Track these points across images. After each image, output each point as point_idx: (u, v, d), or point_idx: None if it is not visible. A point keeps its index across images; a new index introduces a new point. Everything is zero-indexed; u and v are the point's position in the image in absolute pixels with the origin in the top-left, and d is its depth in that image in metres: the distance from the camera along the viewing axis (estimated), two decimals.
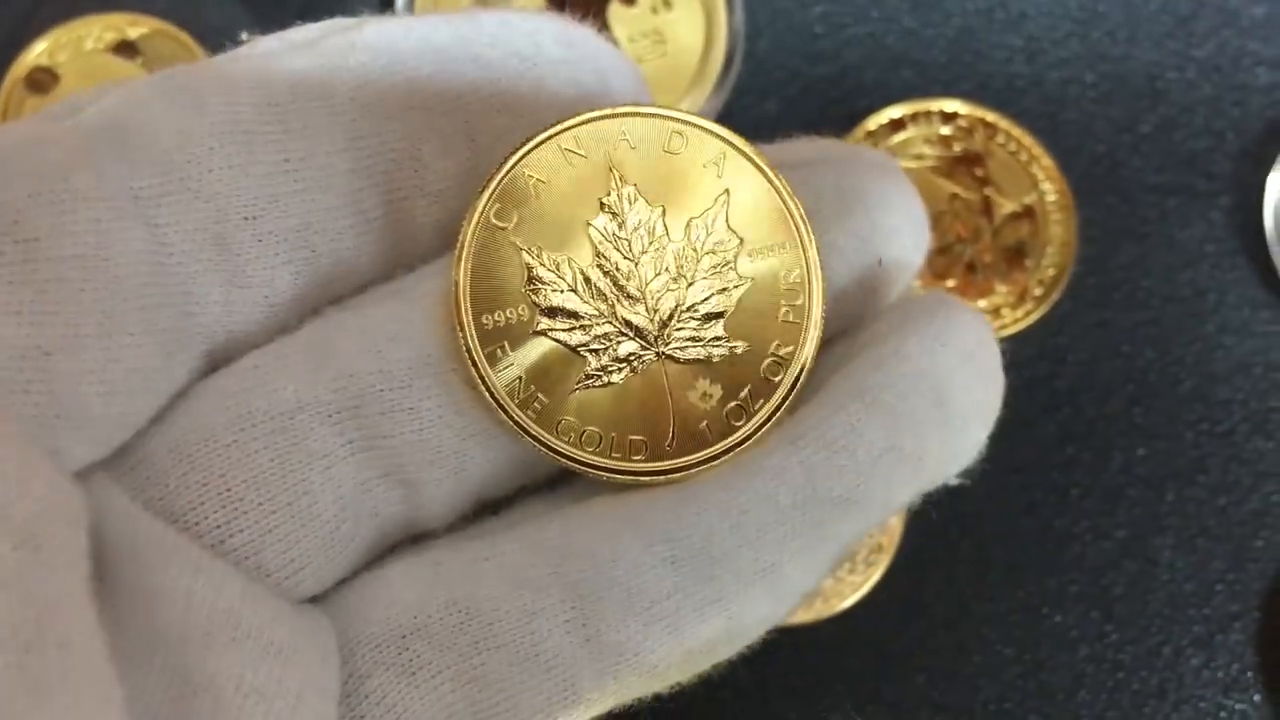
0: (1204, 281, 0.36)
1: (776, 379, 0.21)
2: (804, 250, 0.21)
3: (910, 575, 0.34)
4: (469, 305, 0.20)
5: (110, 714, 0.16)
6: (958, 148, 0.36)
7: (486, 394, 0.20)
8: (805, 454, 0.20)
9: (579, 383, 0.21)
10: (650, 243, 0.21)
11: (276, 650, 0.18)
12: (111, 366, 0.18)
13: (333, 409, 0.20)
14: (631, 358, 0.21)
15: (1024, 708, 0.34)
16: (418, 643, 0.20)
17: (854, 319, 0.22)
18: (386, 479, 0.20)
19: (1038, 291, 0.35)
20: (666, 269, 0.21)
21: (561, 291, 0.21)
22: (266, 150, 0.20)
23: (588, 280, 0.21)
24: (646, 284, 0.21)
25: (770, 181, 0.21)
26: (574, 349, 0.21)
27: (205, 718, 0.18)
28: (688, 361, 0.21)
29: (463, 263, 0.20)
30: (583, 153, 0.21)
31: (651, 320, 0.21)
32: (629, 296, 0.21)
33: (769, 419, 0.21)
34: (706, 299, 0.21)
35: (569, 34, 0.21)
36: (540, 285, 0.21)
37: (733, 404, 0.21)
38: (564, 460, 0.21)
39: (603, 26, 0.36)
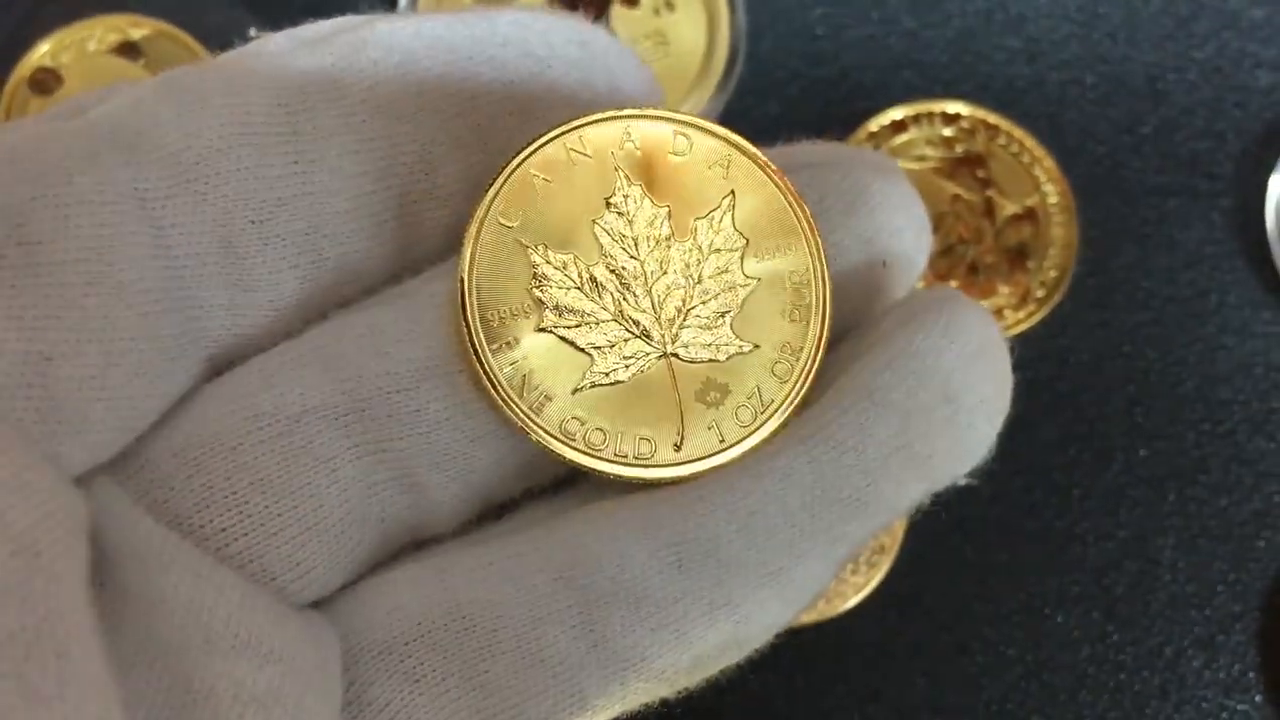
0: (1205, 282, 0.36)
1: (784, 379, 0.21)
2: (810, 251, 0.21)
3: (912, 576, 0.34)
4: (475, 303, 0.20)
5: None
6: (960, 149, 0.36)
7: (493, 391, 0.20)
8: (814, 454, 0.20)
9: (586, 381, 0.21)
10: (656, 242, 0.21)
11: (277, 658, 0.18)
12: (113, 371, 0.18)
13: (339, 412, 0.20)
14: (638, 356, 0.21)
15: (1026, 708, 0.34)
16: (422, 649, 0.19)
17: (860, 319, 0.22)
18: (393, 482, 0.20)
19: (1040, 293, 0.36)
20: (673, 269, 0.21)
21: (568, 290, 0.21)
22: (276, 152, 0.19)
23: (594, 279, 0.21)
24: (653, 283, 0.21)
25: (775, 183, 0.21)
26: (581, 348, 0.21)
27: None
28: (695, 361, 0.21)
29: (468, 261, 0.20)
30: (589, 153, 0.21)
31: (658, 319, 0.21)
32: (635, 295, 0.21)
33: (777, 419, 0.21)
34: (713, 298, 0.21)
35: (583, 34, 0.21)
36: (546, 283, 0.21)
37: (741, 404, 0.21)
38: (571, 459, 0.21)
39: (605, 28, 0.36)
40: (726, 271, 0.21)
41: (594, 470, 0.21)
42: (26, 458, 0.17)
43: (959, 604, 0.34)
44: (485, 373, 0.20)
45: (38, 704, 0.15)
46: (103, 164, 0.18)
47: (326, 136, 0.20)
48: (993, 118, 0.36)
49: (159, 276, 0.19)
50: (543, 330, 0.21)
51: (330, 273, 0.21)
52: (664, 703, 0.21)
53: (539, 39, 0.21)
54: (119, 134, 0.19)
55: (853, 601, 0.34)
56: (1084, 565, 0.35)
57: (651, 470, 0.21)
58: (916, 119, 0.36)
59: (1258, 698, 0.34)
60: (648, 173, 0.21)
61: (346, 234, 0.20)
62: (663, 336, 0.21)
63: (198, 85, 0.19)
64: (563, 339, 0.21)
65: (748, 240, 0.21)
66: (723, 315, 0.21)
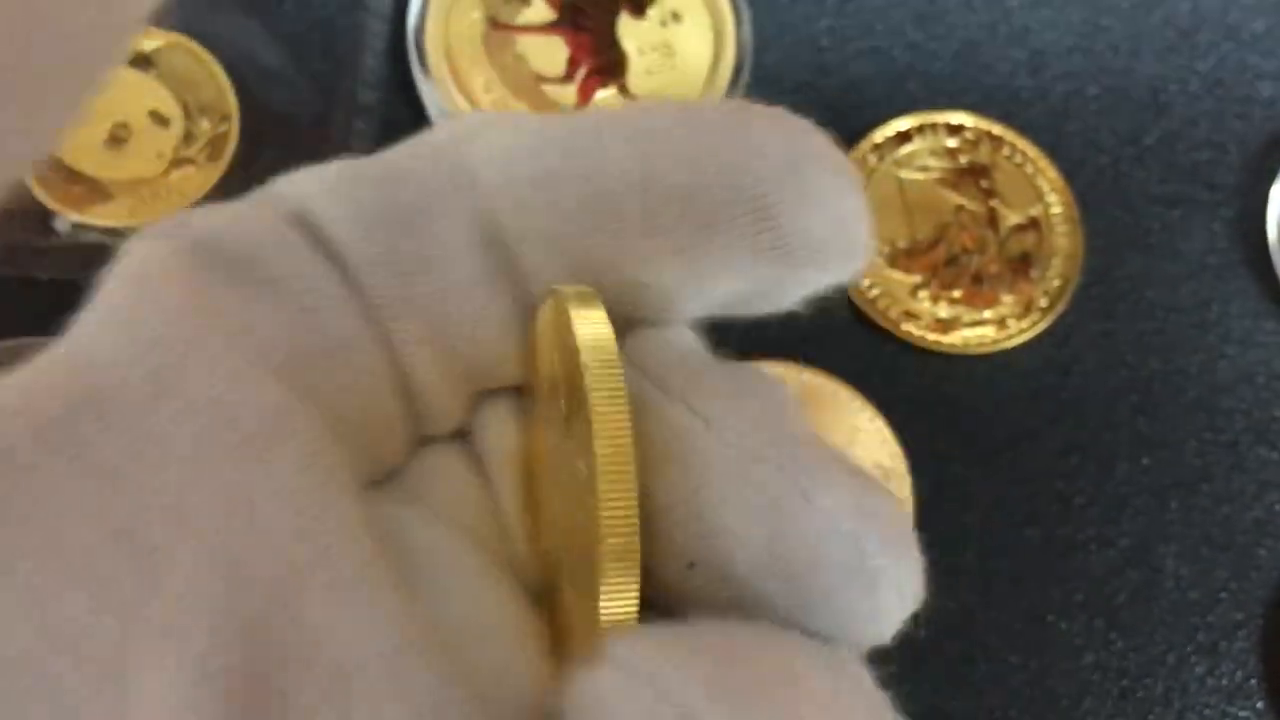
0: (1207, 292, 0.36)
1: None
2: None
3: None
4: None
5: None
6: (964, 160, 0.36)
7: None
8: None
9: None
10: None
11: None
12: None
13: None
14: None
15: (1029, 715, 0.34)
16: None
17: None
18: None
19: (1043, 302, 0.36)
20: None
21: None
22: None
23: None
24: None
25: None
26: None
27: None
28: None
29: None
30: None
31: None
32: None
33: None
34: None
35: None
36: None
37: None
38: None
39: (612, 40, 0.36)
40: None
41: None
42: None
43: (961, 611, 0.35)
44: None
45: None
46: None
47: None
48: (996, 128, 0.37)
49: None
50: None
51: None
52: None
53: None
54: None
55: None
56: (1087, 573, 0.35)
57: None
58: (921, 130, 0.36)
59: (1260, 704, 0.34)
60: None
61: None
62: None
63: None
64: None
65: None
66: None
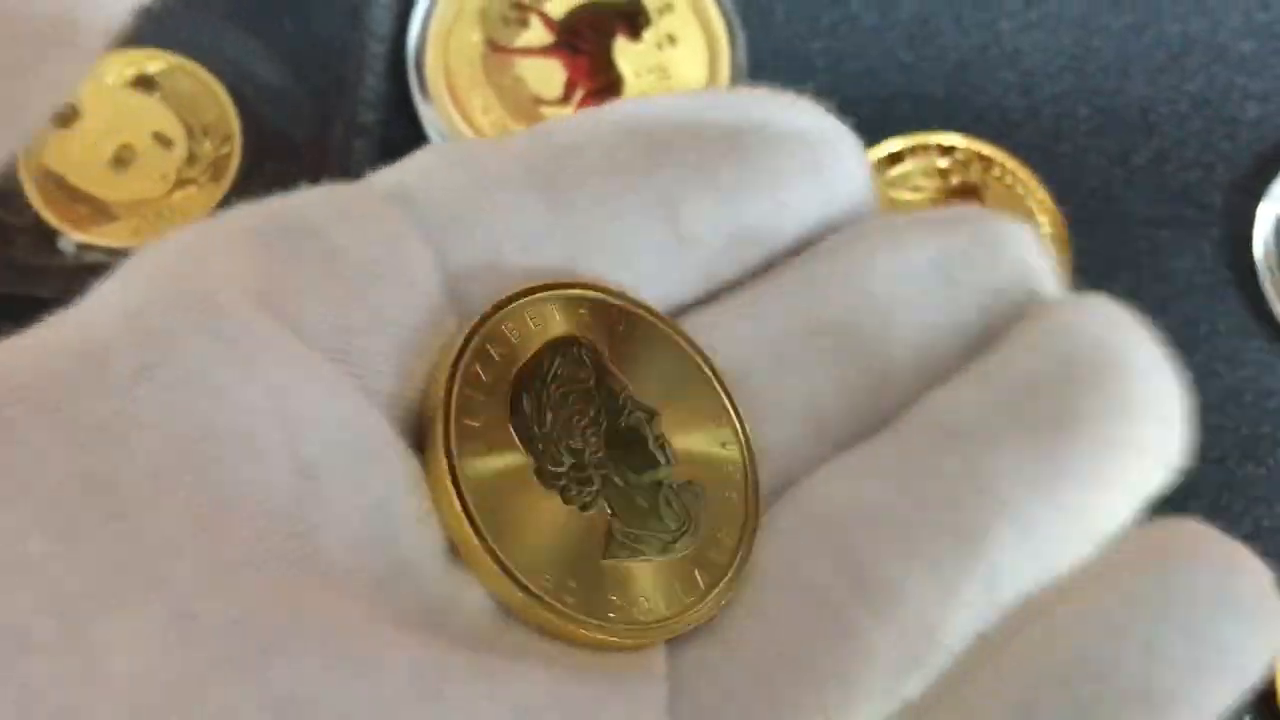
0: (1196, 311, 0.37)
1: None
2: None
3: None
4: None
5: None
6: (955, 180, 0.37)
7: None
8: None
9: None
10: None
11: None
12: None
13: None
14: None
15: None
16: None
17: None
18: None
19: None
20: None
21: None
22: None
23: None
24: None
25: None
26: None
27: None
28: None
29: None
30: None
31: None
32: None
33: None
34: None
35: None
36: None
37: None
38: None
39: (609, 62, 0.37)
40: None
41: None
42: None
43: None
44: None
45: None
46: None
47: None
48: (986, 149, 0.37)
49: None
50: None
51: None
52: None
53: None
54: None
55: None
56: None
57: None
58: (913, 151, 0.37)
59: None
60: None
61: None
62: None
63: None
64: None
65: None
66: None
